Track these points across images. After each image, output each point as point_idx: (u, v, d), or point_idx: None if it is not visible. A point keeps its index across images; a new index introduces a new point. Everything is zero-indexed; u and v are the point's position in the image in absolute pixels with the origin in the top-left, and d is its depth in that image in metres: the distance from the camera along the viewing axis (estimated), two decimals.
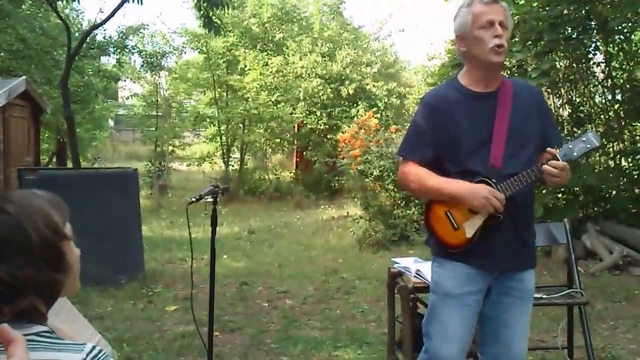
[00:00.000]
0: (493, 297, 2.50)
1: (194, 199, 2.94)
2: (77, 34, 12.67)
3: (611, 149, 8.06)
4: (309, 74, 15.47)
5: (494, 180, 2.36)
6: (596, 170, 7.81)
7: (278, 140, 16.91)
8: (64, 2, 11.38)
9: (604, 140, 8.01)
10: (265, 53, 16.04)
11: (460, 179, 2.40)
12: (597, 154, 8.08)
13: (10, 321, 1.09)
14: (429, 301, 2.61)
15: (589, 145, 2.35)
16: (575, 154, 2.33)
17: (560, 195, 8.04)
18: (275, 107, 15.32)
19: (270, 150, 17.81)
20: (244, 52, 15.84)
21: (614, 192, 7.82)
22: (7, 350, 0.80)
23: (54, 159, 14.68)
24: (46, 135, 14.46)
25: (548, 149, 2.33)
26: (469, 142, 2.40)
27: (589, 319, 3.79)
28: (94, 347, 1.17)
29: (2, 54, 12.28)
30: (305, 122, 15.63)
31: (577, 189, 7.78)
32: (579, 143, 2.36)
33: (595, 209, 7.92)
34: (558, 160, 2.30)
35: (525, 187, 2.38)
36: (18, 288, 1.15)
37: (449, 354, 2.47)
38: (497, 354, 2.52)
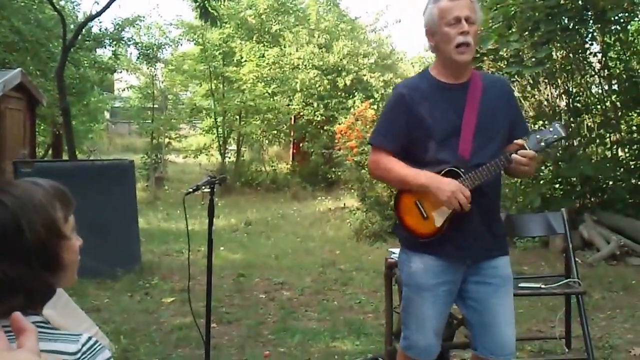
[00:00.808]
0: (471, 288, 2.52)
1: (191, 190, 2.94)
2: (72, 26, 12.58)
3: (608, 139, 8.06)
4: (305, 65, 15.41)
5: (462, 170, 2.40)
6: (593, 161, 7.82)
7: (275, 131, 16.89)
8: None
9: (601, 130, 8.02)
10: (262, 44, 15.98)
11: (429, 168, 2.43)
12: (594, 144, 8.09)
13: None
14: (403, 293, 2.65)
15: (555, 136, 2.39)
16: (542, 144, 2.38)
17: (557, 185, 8.05)
18: (271, 99, 15.28)
19: (266, 142, 17.78)
20: (240, 43, 15.76)
21: (611, 183, 7.82)
22: (18, 340, 0.79)
23: (50, 152, 14.62)
24: (42, 127, 14.40)
25: (516, 140, 2.38)
26: (438, 132, 2.43)
27: (586, 308, 3.79)
28: (89, 338, 1.16)
29: None
30: (302, 113, 15.59)
31: (575, 179, 7.78)
32: (546, 133, 2.41)
33: (593, 199, 7.92)
34: (527, 149, 2.34)
35: (493, 177, 2.42)
36: (9, 285, 1.12)
37: (426, 344, 2.54)
38: (487, 343, 2.53)
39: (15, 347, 0.81)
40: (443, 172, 2.41)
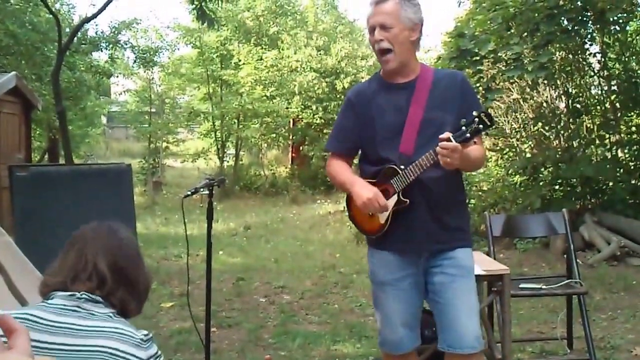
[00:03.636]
0: (432, 280, 2.51)
1: (189, 192, 2.92)
2: (67, 30, 12.52)
3: (608, 140, 8.04)
4: (303, 68, 15.40)
5: (402, 167, 2.44)
6: (593, 162, 7.80)
7: (273, 135, 16.84)
8: None
9: (601, 131, 8.00)
10: (260, 47, 15.96)
11: (375, 167, 2.51)
12: (594, 145, 8.07)
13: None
14: (371, 289, 2.72)
15: (481, 126, 2.37)
16: (467, 135, 2.35)
17: (557, 187, 8.04)
18: (270, 102, 15.24)
19: (265, 145, 17.75)
20: (238, 46, 15.74)
21: (611, 183, 7.80)
22: (9, 341, 0.77)
23: (46, 156, 14.56)
24: (37, 132, 14.33)
25: (441, 135, 2.33)
26: (382, 131, 2.49)
27: (587, 309, 3.77)
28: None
29: None
30: (300, 116, 15.56)
31: (575, 180, 7.77)
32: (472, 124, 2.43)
33: (593, 200, 7.90)
34: (451, 141, 2.32)
35: (433, 171, 2.40)
36: (123, 285, 1.59)
37: (396, 338, 2.56)
38: (445, 336, 2.47)
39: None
40: (384, 170, 2.47)
